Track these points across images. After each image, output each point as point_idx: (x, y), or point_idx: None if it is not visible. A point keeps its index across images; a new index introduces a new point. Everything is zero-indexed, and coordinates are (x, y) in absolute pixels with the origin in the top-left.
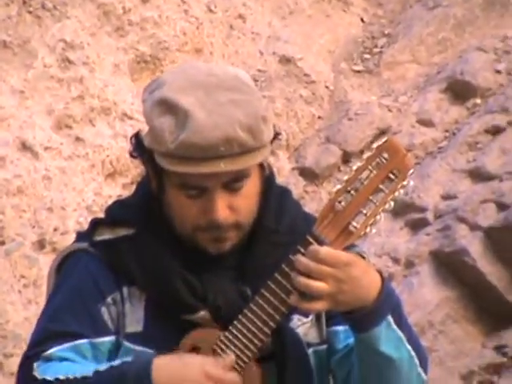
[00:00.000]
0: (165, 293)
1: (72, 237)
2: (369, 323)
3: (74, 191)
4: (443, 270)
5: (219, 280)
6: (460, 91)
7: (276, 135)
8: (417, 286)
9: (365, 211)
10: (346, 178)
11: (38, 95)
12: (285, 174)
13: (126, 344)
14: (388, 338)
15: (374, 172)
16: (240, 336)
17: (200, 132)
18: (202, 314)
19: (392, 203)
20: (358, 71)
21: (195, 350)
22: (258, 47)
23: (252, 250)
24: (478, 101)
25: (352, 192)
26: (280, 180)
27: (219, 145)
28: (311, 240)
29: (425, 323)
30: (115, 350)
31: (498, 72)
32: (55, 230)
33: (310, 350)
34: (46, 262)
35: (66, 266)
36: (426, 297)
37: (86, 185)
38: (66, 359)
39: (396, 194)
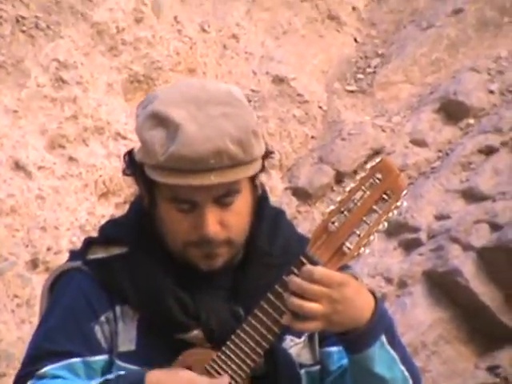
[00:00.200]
0: (157, 311)
1: (65, 256)
2: (362, 344)
3: (67, 211)
4: (436, 291)
5: (212, 299)
6: (453, 111)
7: (269, 153)
8: (410, 306)
9: (358, 232)
10: (339, 198)
11: (32, 115)
12: (278, 193)
13: (119, 363)
14: (381, 358)
15: (368, 192)
16: (233, 356)
17: (190, 144)
18: (195, 333)
19: (386, 224)
20: (352, 91)
21: (188, 369)
22: (251, 67)
23: (245, 270)
24: (472, 121)
25: (345, 213)
26: (273, 200)
27: (209, 157)
28: (304, 261)
29: (418, 344)
30: (108, 369)
31: (492, 92)
32: (48, 249)
33: (303, 371)
34: (39, 282)
35: (59, 284)
36: (418, 317)
37: (79, 204)
38: (59, 377)
39: (390, 214)
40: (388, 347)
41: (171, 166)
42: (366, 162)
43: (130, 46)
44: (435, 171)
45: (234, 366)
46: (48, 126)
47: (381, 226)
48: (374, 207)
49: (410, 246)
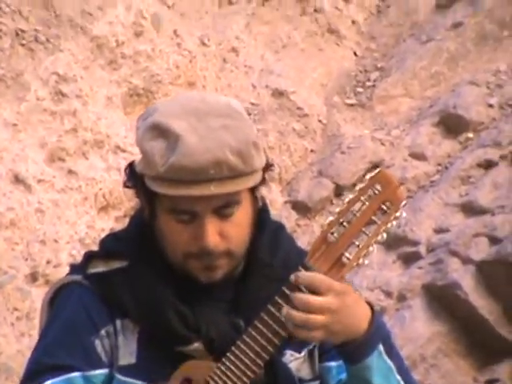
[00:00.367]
0: (158, 324)
1: (65, 269)
2: (361, 354)
3: (66, 224)
4: (435, 304)
5: (212, 311)
6: (452, 125)
7: (269, 166)
8: (409, 319)
9: (357, 243)
10: (338, 209)
11: (31, 128)
12: (277, 207)
13: (119, 377)
14: (379, 368)
15: (367, 203)
16: (233, 368)
17: (190, 155)
18: (196, 345)
19: (385, 235)
20: (351, 105)
21: (188, 381)
22: (250, 80)
23: (246, 282)
24: (471, 135)
25: (344, 224)
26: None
27: (209, 168)
28: (303, 271)
29: (416, 357)
30: (108, 383)
31: (491, 106)
32: (48, 262)
33: None
34: (38, 295)
35: (59, 298)
36: (417, 330)
37: (79, 218)
38: None
39: (389, 225)
40: (385, 357)
41: (171, 176)
42: (364, 175)
43: (130, 60)
44: (434, 185)
45: (234, 378)
46: (48, 139)
47: (380, 237)
48: (373, 218)
49: (409, 260)
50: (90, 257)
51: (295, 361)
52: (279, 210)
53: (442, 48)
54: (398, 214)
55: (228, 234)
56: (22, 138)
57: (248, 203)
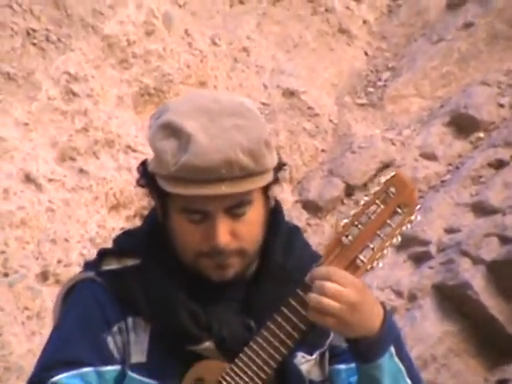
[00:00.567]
0: (169, 323)
1: (75, 269)
2: (373, 354)
3: (77, 223)
4: (446, 304)
5: (224, 311)
6: (463, 125)
7: (281, 165)
8: (419, 319)
9: (372, 245)
10: (353, 212)
11: (42, 127)
12: (288, 206)
13: (131, 374)
14: (390, 370)
15: (382, 206)
16: (246, 368)
17: (202, 155)
18: (207, 344)
19: (399, 238)
20: (362, 104)
21: (200, 381)
22: (261, 80)
23: (258, 284)
24: (482, 135)
25: (359, 226)
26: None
27: (220, 167)
28: None
29: (427, 357)
30: (121, 380)
31: (502, 106)
32: (59, 261)
33: None
34: (49, 294)
35: (72, 294)
36: (428, 330)
37: (90, 217)
38: None
39: (403, 228)
40: (396, 359)
41: (182, 176)
42: (376, 176)
43: (141, 59)
44: (445, 185)
45: (246, 379)
46: (58, 138)
47: (394, 240)
48: (388, 221)
49: (419, 259)
50: (103, 254)
51: (306, 363)
52: (290, 209)
53: (453, 48)
54: (412, 218)
55: (240, 233)
56: (32, 138)
57: (260, 202)
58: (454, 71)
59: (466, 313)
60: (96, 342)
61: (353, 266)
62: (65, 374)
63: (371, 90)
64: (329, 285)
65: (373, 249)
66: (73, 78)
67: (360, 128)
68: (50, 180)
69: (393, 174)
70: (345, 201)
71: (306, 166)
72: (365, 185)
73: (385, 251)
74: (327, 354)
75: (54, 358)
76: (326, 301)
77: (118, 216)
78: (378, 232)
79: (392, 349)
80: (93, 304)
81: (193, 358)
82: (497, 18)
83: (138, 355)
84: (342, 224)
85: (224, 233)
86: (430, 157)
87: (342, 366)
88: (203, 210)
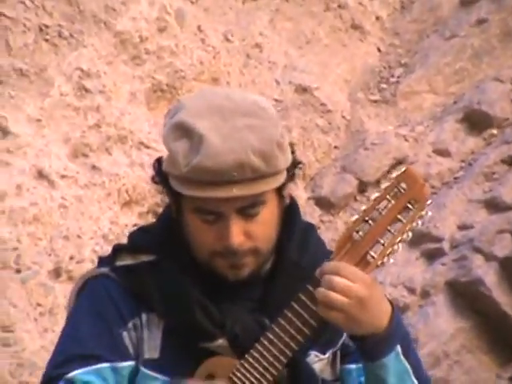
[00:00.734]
0: (183, 320)
1: (88, 265)
2: (379, 352)
3: (90, 220)
4: (459, 300)
5: (238, 309)
6: (477, 121)
7: (297, 163)
8: (432, 315)
9: (382, 241)
10: (363, 207)
11: (55, 124)
12: (301, 203)
13: (143, 370)
14: (395, 368)
15: (392, 202)
16: (256, 364)
17: (213, 156)
18: (220, 342)
19: (410, 233)
20: (375, 101)
21: (211, 377)
22: (274, 76)
23: (273, 282)
24: (495, 131)
25: (370, 222)
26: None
27: (231, 170)
28: None
29: (440, 353)
30: (135, 376)
31: None
32: (71, 258)
33: None
34: (61, 291)
35: (86, 290)
36: (441, 327)
37: (102, 213)
38: (87, 382)
39: (414, 224)
40: (402, 358)
41: (194, 177)
42: (389, 172)
43: (154, 55)
44: (458, 181)
45: (256, 375)
46: (71, 134)
47: (405, 236)
48: (399, 216)
49: (432, 256)
50: (117, 250)
51: (319, 362)
52: (303, 206)
53: (466, 44)
54: (423, 213)
55: (253, 233)
56: (45, 134)
57: (274, 202)
58: (467, 67)
59: (478, 309)
60: (112, 338)
61: (363, 262)
62: (80, 370)
63: (384, 86)
64: (337, 279)
65: (383, 244)
66: (85, 74)
67: (373, 124)
68: (63, 176)
69: (403, 169)
70: (358, 197)
71: (319, 163)
72: (378, 181)
73: (396, 247)
74: (339, 353)
75: (68, 354)
76: (334, 295)
77: (130, 212)
78: (389, 228)
79: (398, 347)
80: (107, 299)
81: (206, 355)
82: (510, 15)
83: (151, 351)
84: (352, 219)
85: (237, 233)
86: (443, 153)
87: (353, 366)
88: (216, 211)
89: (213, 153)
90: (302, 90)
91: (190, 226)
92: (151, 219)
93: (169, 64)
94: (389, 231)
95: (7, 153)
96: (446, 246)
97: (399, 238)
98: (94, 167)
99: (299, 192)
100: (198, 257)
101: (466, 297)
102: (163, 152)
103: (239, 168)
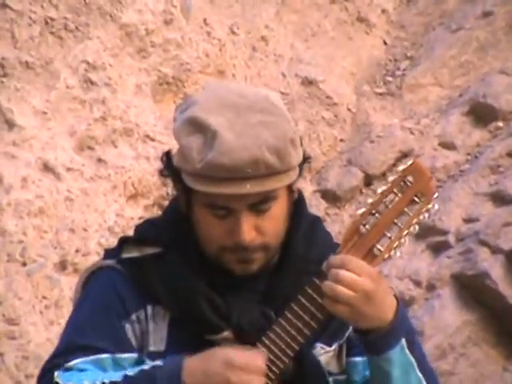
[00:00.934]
0: (189, 312)
1: (94, 258)
2: (384, 345)
3: (95, 212)
4: (464, 293)
5: (244, 301)
6: (482, 114)
7: (306, 159)
8: (438, 308)
9: (389, 234)
10: (370, 201)
11: (60, 116)
12: (307, 196)
13: (149, 362)
14: (400, 361)
15: (399, 195)
16: None
17: (227, 153)
18: (226, 334)
19: (417, 227)
20: (381, 94)
21: None
22: (280, 69)
23: (280, 274)
24: (501, 124)
25: (377, 215)
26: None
27: (246, 166)
28: None
29: (446, 346)
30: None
31: None
32: (77, 251)
33: (331, 379)
34: (67, 283)
35: (92, 281)
36: (447, 320)
37: (108, 206)
38: (84, 370)
39: (421, 217)
40: (407, 352)
41: (207, 173)
42: (394, 165)
43: (159, 48)
44: (464, 174)
45: None
46: (77, 127)
47: (412, 229)
48: (405, 210)
49: (438, 249)
50: (124, 242)
51: (325, 354)
52: (308, 199)
53: (472, 37)
54: (430, 206)
55: (264, 229)
56: (51, 126)
57: (284, 197)
58: (473, 60)
59: (484, 302)
60: (114, 329)
61: (370, 255)
62: (80, 359)
63: (390, 79)
64: (344, 273)
65: (390, 238)
66: (91, 66)
67: (378, 117)
68: (69, 169)
69: (410, 162)
70: (363, 190)
71: (325, 156)
72: (383, 174)
73: (402, 240)
74: (344, 346)
75: (70, 344)
76: (340, 289)
77: (136, 205)
78: (396, 221)
79: (403, 341)
80: (111, 291)
81: (211, 347)
82: None
83: (157, 343)
84: (359, 213)
85: (249, 229)
86: (449, 146)
87: (359, 359)
88: (228, 207)
89: (227, 149)
90: (308, 82)
91: (200, 220)
92: (157, 212)
93: (175, 57)
94: (395, 224)
95: (13, 145)
96: (451, 239)
97: (406, 232)
98: (99, 160)
99: (305, 185)
100: (206, 251)
101: (472, 290)
102: (169, 145)
103: (253, 164)
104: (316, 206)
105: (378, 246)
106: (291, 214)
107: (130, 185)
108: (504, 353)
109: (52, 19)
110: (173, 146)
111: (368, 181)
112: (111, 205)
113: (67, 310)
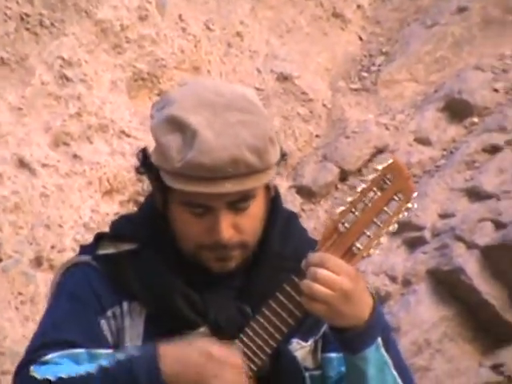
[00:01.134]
0: (165, 309)
1: (69, 254)
2: (360, 344)
3: (71, 208)
4: (440, 289)
5: (220, 297)
6: (458, 110)
7: (283, 156)
8: (414, 304)
9: (368, 233)
10: (350, 199)
11: (36, 112)
12: (282, 192)
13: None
14: (376, 360)
15: (379, 194)
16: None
17: (207, 152)
18: (202, 330)
19: (396, 225)
20: (356, 89)
21: None
22: (255, 65)
23: (255, 271)
24: (476, 119)
25: (356, 213)
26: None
27: (226, 166)
28: None
29: (422, 342)
30: None
31: (496, 91)
32: (52, 247)
33: (307, 375)
34: (43, 279)
35: (67, 277)
36: (422, 315)
37: (83, 202)
38: (59, 364)
39: (400, 215)
40: (383, 350)
41: (188, 173)
42: (370, 160)
43: (135, 44)
44: (439, 170)
45: None
46: (52, 123)
47: (391, 227)
48: (385, 208)
49: (414, 245)
50: (100, 238)
51: (301, 349)
52: (284, 194)
53: (447, 32)
54: (409, 205)
55: (242, 227)
56: (26, 122)
57: (262, 195)
58: (448, 56)
59: (460, 298)
60: (89, 325)
61: (349, 254)
62: (56, 353)
63: (365, 74)
64: (322, 271)
65: (369, 236)
66: (66, 62)
67: (354, 113)
68: (44, 165)
69: (390, 161)
70: (339, 186)
71: (300, 152)
72: (359, 170)
73: (381, 239)
74: (320, 341)
75: (45, 339)
76: (318, 287)
77: (111, 201)
78: (375, 219)
79: (379, 340)
80: (87, 288)
81: None
82: (491, 3)
83: (134, 339)
84: (338, 211)
85: (227, 227)
86: (424, 142)
87: (334, 355)
88: (206, 205)
89: (207, 148)
90: (283, 78)
91: (177, 218)
92: (132, 208)
93: (150, 53)
94: (375, 223)
95: None
96: (427, 234)
97: (385, 230)
98: (75, 156)
99: (280, 181)
100: (183, 248)
101: (448, 285)
102: (144, 141)
103: (234, 164)
104: (291, 202)
105: (357, 245)
106: (268, 212)
107: (105, 181)
108: (480, 348)
109: (27, 15)
110: (148, 142)
111: (343, 176)
112: (86, 201)
113: (43, 306)
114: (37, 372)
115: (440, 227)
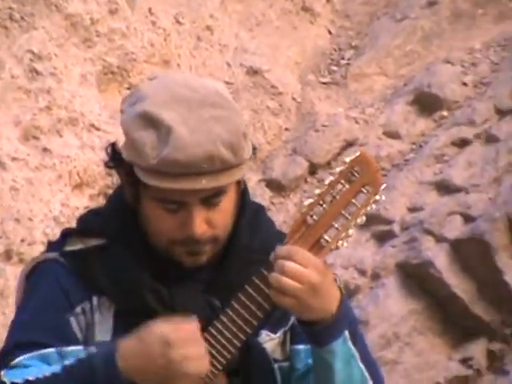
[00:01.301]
0: (133, 302)
1: (39, 248)
2: (327, 337)
3: (41, 202)
4: (409, 282)
5: (188, 291)
6: (427, 103)
7: (253, 150)
8: (383, 297)
9: (337, 225)
10: (318, 191)
11: (5, 106)
12: (251, 185)
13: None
14: (343, 353)
15: (347, 186)
16: (209, 348)
17: (182, 149)
18: None
19: (364, 218)
20: (325, 83)
21: None
22: (225, 59)
23: (224, 264)
24: (445, 113)
25: (324, 206)
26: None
27: (201, 162)
28: None
29: (390, 335)
30: None
31: (465, 84)
32: (22, 240)
33: (276, 366)
34: (12, 273)
35: (34, 275)
36: (391, 309)
37: (53, 196)
38: (28, 366)
39: (368, 208)
40: (350, 344)
41: (162, 169)
42: (339, 154)
43: (104, 38)
44: (408, 163)
45: (210, 358)
46: (22, 117)
47: (359, 220)
48: (353, 201)
49: (383, 238)
50: (67, 234)
51: (270, 341)
52: (253, 188)
53: (417, 26)
54: (377, 198)
55: (215, 222)
56: None
57: (233, 190)
58: (418, 50)
59: (429, 291)
60: (58, 324)
61: (317, 246)
62: (25, 356)
63: (335, 68)
64: (290, 264)
65: (337, 229)
66: (36, 56)
67: (323, 106)
68: (14, 159)
69: (358, 153)
70: (308, 179)
71: (270, 145)
72: (328, 163)
73: (349, 231)
74: (289, 333)
75: (16, 342)
76: (285, 280)
77: (81, 195)
78: (343, 212)
79: (346, 333)
80: (55, 285)
81: None
82: None
83: (103, 334)
84: (306, 203)
85: (200, 222)
86: (394, 135)
87: (302, 347)
88: (180, 201)
89: (182, 145)
90: (253, 72)
91: (150, 213)
92: (102, 201)
93: (120, 46)
94: (343, 215)
95: None
96: (396, 227)
97: (353, 222)
98: (44, 149)
99: (250, 174)
100: (155, 243)
101: (417, 279)
102: (114, 134)
103: (209, 160)
104: (261, 195)
105: (326, 237)
106: (238, 206)
107: (75, 174)
108: (449, 342)
109: None
110: (118, 135)
111: (313, 170)
112: (56, 194)
113: (12, 299)
114: (6, 377)
115: (409, 221)
